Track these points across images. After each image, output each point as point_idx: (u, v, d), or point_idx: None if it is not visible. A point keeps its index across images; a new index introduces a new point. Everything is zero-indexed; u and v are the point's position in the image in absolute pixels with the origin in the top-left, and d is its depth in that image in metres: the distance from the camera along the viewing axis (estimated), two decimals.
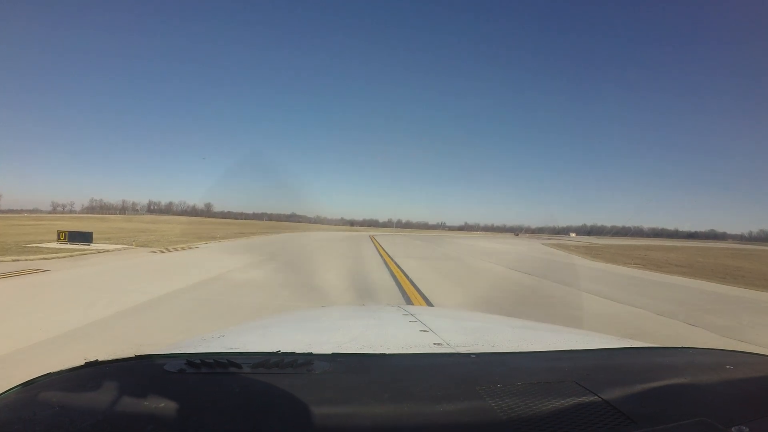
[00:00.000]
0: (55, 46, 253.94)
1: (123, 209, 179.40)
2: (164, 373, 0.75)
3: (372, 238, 38.02)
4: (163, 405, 0.62)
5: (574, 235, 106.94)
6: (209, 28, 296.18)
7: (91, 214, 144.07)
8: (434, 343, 1.13)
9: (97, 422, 0.58)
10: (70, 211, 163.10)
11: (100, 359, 0.81)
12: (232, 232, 37.71)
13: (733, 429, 0.58)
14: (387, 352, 0.99)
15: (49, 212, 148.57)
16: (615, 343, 1.32)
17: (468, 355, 0.98)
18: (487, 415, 0.63)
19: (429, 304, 6.96)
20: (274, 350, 0.90)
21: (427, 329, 1.32)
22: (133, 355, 0.84)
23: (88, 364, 0.79)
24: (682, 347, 1.16)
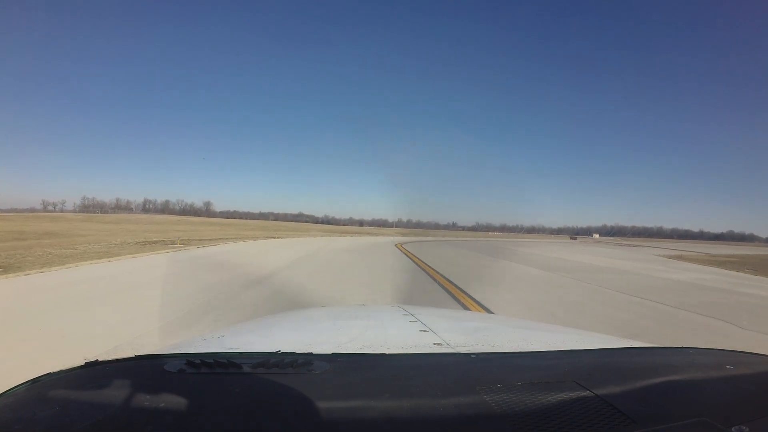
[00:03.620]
0: (51, 43, 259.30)
1: (116, 208, 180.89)
2: (164, 373, 0.79)
3: (403, 249, 21.89)
4: (163, 405, 0.66)
5: (597, 236, 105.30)
6: (202, 25, 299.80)
7: (84, 213, 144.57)
8: (434, 343, 1.17)
9: (97, 422, 0.61)
10: (62, 210, 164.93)
11: (100, 359, 0.85)
12: (153, 239, 21.38)
13: (733, 429, 0.60)
14: (387, 352, 1.03)
15: (41, 211, 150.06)
16: (615, 343, 1.34)
17: (468, 355, 1.02)
18: (487, 415, 0.66)
19: None
20: (274, 350, 0.95)
21: (427, 329, 1.36)
22: (133, 355, 0.89)
23: (88, 364, 0.83)
24: (682, 347, 1.19)
